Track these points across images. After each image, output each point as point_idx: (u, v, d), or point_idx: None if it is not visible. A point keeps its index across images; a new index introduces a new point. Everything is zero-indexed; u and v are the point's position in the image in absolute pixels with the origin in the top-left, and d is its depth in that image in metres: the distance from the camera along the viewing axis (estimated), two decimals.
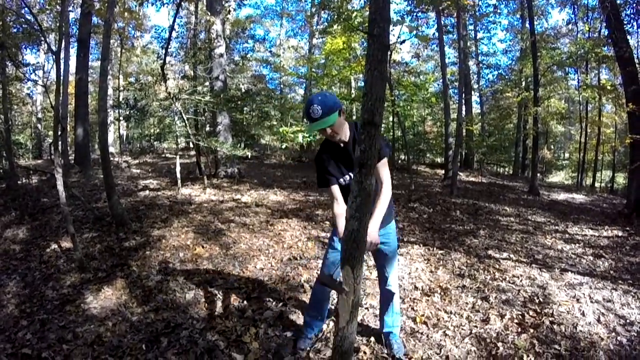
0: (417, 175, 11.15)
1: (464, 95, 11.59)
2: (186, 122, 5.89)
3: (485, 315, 2.93)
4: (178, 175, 6.25)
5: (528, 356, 2.46)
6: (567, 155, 19.39)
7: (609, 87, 10.71)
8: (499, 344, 2.58)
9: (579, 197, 9.27)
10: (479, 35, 16.20)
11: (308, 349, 2.41)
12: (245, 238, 4.46)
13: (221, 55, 7.81)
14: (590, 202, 8.58)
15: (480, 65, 16.53)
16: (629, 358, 2.51)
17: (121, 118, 11.70)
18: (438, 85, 12.81)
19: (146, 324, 2.76)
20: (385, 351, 2.43)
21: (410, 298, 3.18)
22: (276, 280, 3.46)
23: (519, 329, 2.77)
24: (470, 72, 15.44)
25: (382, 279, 2.38)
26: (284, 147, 14.58)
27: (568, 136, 18.70)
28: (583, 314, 2.99)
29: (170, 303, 3.04)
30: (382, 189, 2.04)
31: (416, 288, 3.37)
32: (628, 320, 2.92)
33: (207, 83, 7.74)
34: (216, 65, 7.66)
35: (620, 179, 13.62)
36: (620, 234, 5.30)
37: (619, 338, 2.73)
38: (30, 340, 2.64)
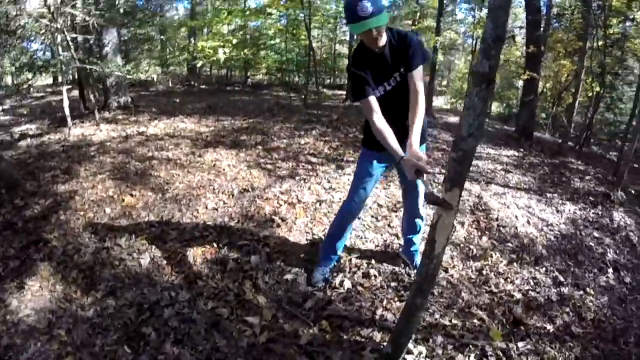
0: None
1: None
2: (70, 44, 4.45)
3: None
4: (67, 112, 4.90)
5: (495, 253, 2.87)
6: (445, 82, 21.48)
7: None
8: (471, 246, 2.93)
9: None
10: None
11: (323, 285, 2.32)
12: (178, 176, 3.86)
13: None
14: None
15: None
16: (559, 250, 3.13)
17: None
18: None
19: (111, 316, 2.10)
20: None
21: (381, 215, 3.25)
22: (239, 219, 3.10)
23: (479, 233, 3.17)
24: None
25: (411, 198, 2.25)
26: (170, 69, 12.96)
27: (447, 65, 20.62)
28: (517, 218, 3.54)
29: (125, 278, 2.41)
30: (419, 99, 1.82)
31: (380, 205, 3.45)
32: (548, 222, 3.60)
33: None
34: None
35: (494, 107, 16.02)
36: (516, 154, 6.24)
37: (547, 235, 3.36)
38: None
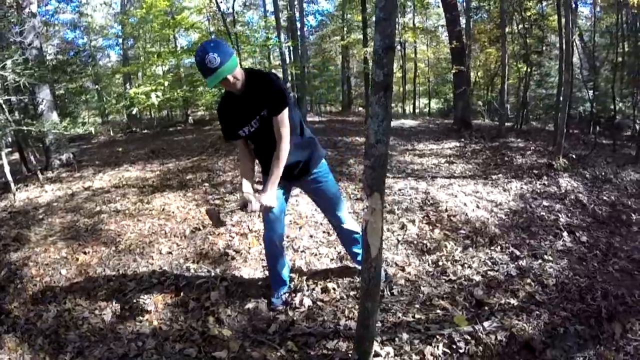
0: None
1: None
2: (4, 106, 4.27)
3: (400, 225, 3.33)
4: (9, 177, 4.68)
5: (449, 243, 2.97)
6: None
7: (420, 29, 12.37)
8: (424, 242, 3.02)
9: (408, 122, 10.53)
10: None
11: (283, 308, 2.34)
12: (129, 226, 3.76)
13: (34, 15, 5.91)
14: (419, 125, 9.92)
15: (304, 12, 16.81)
16: (511, 227, 3.29)
17: None
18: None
19: None
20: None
21: (333, 230, 3.26)
22: (194, 258, 3.08)
23: (431, 227, 3.28)
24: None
25: (336, 221, 2.35)
26: (109, 118, 12.61)
27: None
28: (465, 205, 3.69)
29: (91, 336, 2.35)
30: (281, 146, 1.91)
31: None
32: (497, 203, 3.77)
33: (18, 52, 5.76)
34: (29, 29, 5.77)
35: (433, 104, 16.64)
36: (457, 144, 6.55)
37: (498, 215, 3.52)
38: None
